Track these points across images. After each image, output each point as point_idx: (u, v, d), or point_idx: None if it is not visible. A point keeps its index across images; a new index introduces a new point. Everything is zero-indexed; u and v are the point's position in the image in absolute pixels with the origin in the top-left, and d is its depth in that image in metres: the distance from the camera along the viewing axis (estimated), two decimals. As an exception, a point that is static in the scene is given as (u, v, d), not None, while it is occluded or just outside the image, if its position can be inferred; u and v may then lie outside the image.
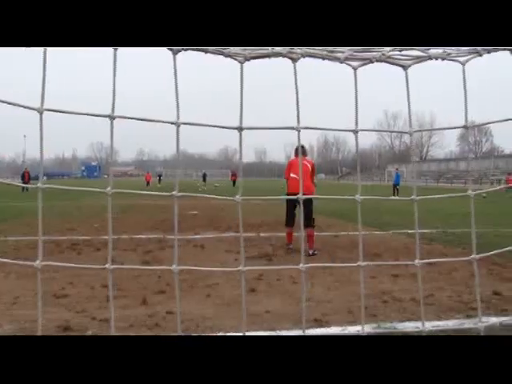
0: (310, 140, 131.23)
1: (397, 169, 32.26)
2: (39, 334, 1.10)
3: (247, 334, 1.30)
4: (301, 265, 1.16)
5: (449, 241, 9.09)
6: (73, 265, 1.10)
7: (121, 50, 1.10)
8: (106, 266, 1.07)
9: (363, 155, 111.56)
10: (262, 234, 10.01)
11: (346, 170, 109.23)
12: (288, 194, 8.07)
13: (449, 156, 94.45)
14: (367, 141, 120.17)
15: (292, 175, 8.18)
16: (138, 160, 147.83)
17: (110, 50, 1.10)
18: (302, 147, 8.74)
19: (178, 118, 1.05)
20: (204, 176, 49.54)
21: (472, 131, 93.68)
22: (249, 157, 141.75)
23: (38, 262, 1.01)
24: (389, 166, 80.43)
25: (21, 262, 1.07)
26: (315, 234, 8.20)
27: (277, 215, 14.06)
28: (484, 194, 32.02)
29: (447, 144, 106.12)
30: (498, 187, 1.61)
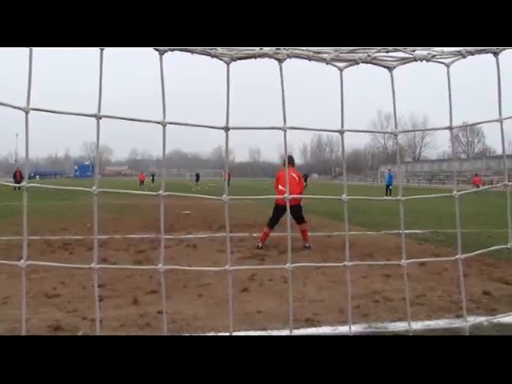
0: (303, 140, 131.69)
1: (389, 169, 32.38)
2: (23, 333, 1.09)
3: (236, 333, 1.31)
4: (287, 264, 1.16)
5: (440, 241, 9.14)
6: (58, 264, 1.10)
7: (124, 51, 1.11)
8: (92, 265, 1.07)
9: (357, 156, 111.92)
10: (254, 234, 10.01)
11: (340, 170, 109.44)
12: (277, 205, 8.49)
13: (441, 157, 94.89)
14: (361, 141, 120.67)
15: (280, 187, 8.49)
16: (132, 159, 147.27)
17: (111, 50, 1.10)
18: (290, 157, 8.88)
19: (164, 117, 1.05)
20: (197, 176, 49.41)
21: (464, 132, 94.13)
22: (243, 157, 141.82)
23: (22, 261, 1.01)
24: (382, 167, 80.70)
25: (5, 262, 1.06)
26: (308, 234, 8.47)
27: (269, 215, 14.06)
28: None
29: (440, 144, 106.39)
30: (467, 190, 1.62)
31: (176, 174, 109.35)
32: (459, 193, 1.25)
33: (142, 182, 45.08)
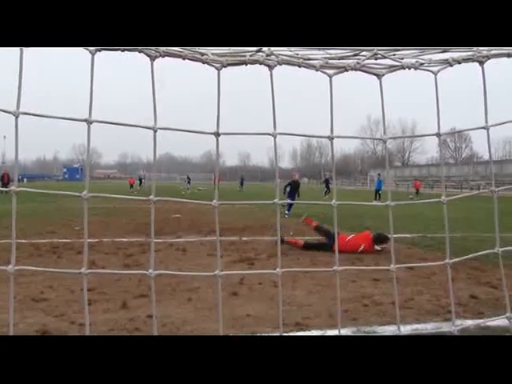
0: (293, 144, 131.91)
1: (379, 174, 32.54)
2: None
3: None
4: (277, 269, 1.17)
5: (429, 245, 9.21)
6: (47, 269, 1.09)
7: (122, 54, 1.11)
8: (82, 270, 1.06)
9: (346, 160, 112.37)
10: (244, 238, 10.01)
11: (330, 174, 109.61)
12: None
13: (430, 161, 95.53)
14: (350, 146, 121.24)
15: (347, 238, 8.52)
16: (121, 163, 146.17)
17: (109, 54, 1.11)
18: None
19: (155, 123, 1.05)
20: (188, 179, 49.14)
21: (452, 137, 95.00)
22: (232, 161, 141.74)
23: (10, 266, 1.00)
24: (371, 171, 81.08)
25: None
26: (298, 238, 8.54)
27: (260, 219, 14.08)
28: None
29: (429, 149, 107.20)
30: (456, 196, 1.65)
31: (165, 177, 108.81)
32: (448, 198, 1.27)
33: (131, 186, 44.98)
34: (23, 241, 8.72)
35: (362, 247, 8.31)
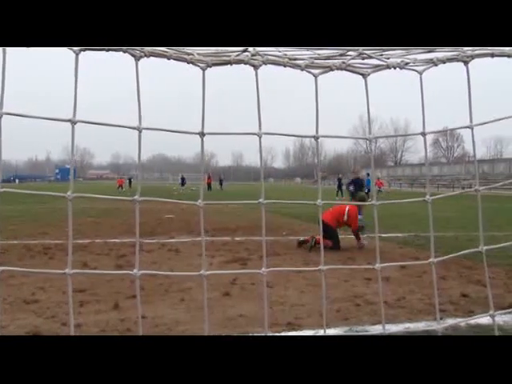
0: (286, 144, 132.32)
1: (368, 174, 32.57)
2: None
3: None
4: (262, 269, 1.17)
5: (420, 244, 9.25)
6: (30, 270, 1.09)
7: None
8: (66, 270, 1.06)
9: (339, 160, 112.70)
10: (237, 238, 10.01)
11: (323, 173, 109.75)
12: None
13: (423, 161, 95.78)
14: (343, 145, 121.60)
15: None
16: (114, 163, 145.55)
17: (104, 54, 1.10)
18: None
19: (140, 123, 1.05)
20: (182, 179, 48.74)
21: (444, 137, 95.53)
22: (225, 161, 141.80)
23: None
24: (363, 171, 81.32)
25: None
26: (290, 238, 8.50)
27: (253, 219, 14.07)
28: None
29: (421, 148, 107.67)
30: (440, 195, 1.66)
31: (158, 177, 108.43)
32: (432, 198, 1.28)
33: (119, 186, 44.88)
34: (15, 242, 8.67)
35: (347, 209, 8.85)
